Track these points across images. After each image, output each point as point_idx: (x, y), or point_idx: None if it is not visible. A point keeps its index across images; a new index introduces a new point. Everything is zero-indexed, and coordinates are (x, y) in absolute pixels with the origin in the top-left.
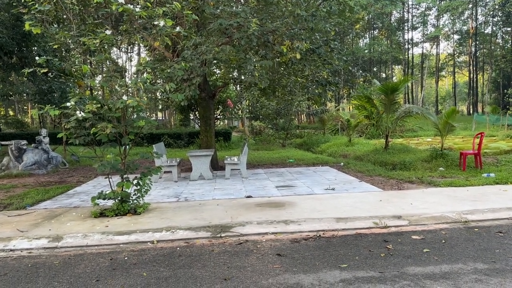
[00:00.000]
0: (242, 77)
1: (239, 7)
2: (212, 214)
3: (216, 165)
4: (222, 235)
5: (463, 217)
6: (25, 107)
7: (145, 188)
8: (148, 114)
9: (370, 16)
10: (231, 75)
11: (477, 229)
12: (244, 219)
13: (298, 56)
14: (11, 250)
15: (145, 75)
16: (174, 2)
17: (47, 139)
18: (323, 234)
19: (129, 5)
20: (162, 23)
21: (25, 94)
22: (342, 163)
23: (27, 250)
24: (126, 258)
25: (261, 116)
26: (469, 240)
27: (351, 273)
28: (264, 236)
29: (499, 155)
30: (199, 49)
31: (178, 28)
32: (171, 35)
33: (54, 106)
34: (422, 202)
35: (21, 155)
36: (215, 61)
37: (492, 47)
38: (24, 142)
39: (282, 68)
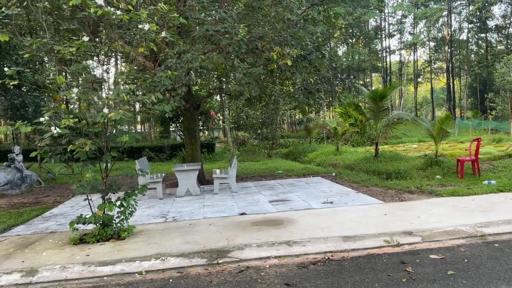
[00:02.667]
0: (229, 86)
1: (224, 13)
2: (206, 236)
3: (203, 179)
4: (219, 261)
5: (478, 231)
6: None
7: (130, 209)
8: (126, 127)
9: (348, 24)
10: (215, 85)
11: (497, 245)
12: (242, 241)
13: (289, 63)
14: None
15: (127, 85)
16: (159, 4)
17: (20, 157)
18: (332, 256)
19: (109, 7)
20: (147, 26)
21: None
22: (334, 173)
23: None
24: None
25: (245, 126)
26: (493, 258)
27: None
28: (267, 261)
29: (493, 160)
30: (184, 57)
31: (163, 33)
32: (156, 40)
33: (27, 122)
34: (430, 214)
35: None
36: (200, 70)
37: (467, 53)
38: None
39: (268, 77)
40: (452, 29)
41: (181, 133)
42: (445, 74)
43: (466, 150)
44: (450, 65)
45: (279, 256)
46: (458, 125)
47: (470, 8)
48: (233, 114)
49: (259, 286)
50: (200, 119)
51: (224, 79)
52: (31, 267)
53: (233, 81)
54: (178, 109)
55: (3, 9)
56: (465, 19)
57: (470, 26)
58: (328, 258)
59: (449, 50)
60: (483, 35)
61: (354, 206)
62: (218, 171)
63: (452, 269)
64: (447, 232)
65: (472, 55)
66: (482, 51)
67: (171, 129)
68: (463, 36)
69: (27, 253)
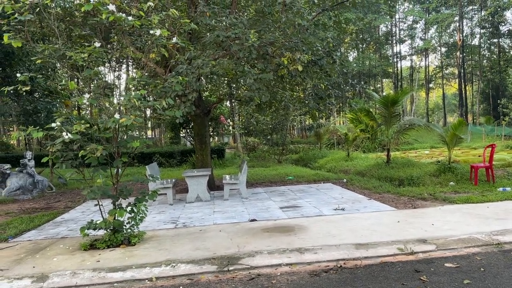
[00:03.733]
0: (239, 92)
1: (234, 19)
2: (216, 243)
3: (213, 185)
4: (230, 268)
5: (494, 239)
6: (10, 129)
7: (140, 215)
8: (137, 133)
9: (359, 30)
10: (225, 90)
11: None
12: (253, 248)
13: (300, 68)
14: None
15: (138, 91)
16: (171, 9)
17: (32, 162)
18: (344, 264)
19: (120, 13)
20: (158, 32)
21: (9, 115)
22: (345, 180)
23: None
24: None
25: (255, 132)
26: (511, 267)
27: None
28: (278, 268)
29: (508, 167)
30: (195, 63)
31: (175, 39)
32: (168, 46)
33: (39, 127)
34: (444, 222)
35: (4, 180)
36: (210, 76)
37: (479, 59)
38: (8, 166)
39: (278, 82)
40: (464, 34)
41: (191, 138)
42: (457, 80)
43: (479, 156)
44: (462, 70)
45: (290, 264)
46: (471, 131)
47: (482, 13)
48: (243, 120)
49: None
50: (210, 125)
51: (234, 85)
52: (41, 272)
53: (243, 87)
54: (189, 115)
55: (16, 15)
56: (477, 24)
57: (482, 31)
58: (341, 266)
59: (461, 55)
60: (495, 40)
61: (366, 213)
62: (228, 177)
63: (468, 278)
64: (462, 240)
65: (484, 61)
66: (495, 56)
67: (181, 135)
68: (475, 42)
69: (38, 258)
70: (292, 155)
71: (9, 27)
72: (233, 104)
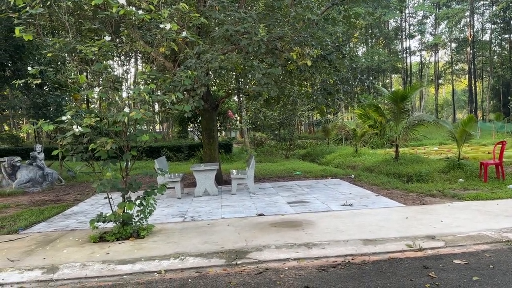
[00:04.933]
0: (247, 86)
1: (243, 13)
2: (224, 237)
3: (221, 179)
4: (238, 262)
5: (503, 236)
6: (20, 122)
7: (149, 208)
8: (145, 127)
9: (368, 24)
10: (233, 85)
11: None
12: (261, 243)
13: (309, 63)
14: (0, 284)
15: (148, 85)
16: (181, 3)
17: (42, 155)
18: (352, 259)
19: (130, 7)
20: (168, 26)
21: (19, 108)
22: (352, 175)
23: (18, 284)
24: None
25: (262, 127)
26: None
27: None
28: (286, 263)
29: None
30: (204, 57)
31: (184, 33)
32: (177, 40)
33: (49, 120)
34: (453, 218)
35: (14, 172)
36: (219, 70)
37: (490, 54)
38: (18, 158)
39: (286, 77)
40: (475, 29)
41: (199, 133)
42: (466, 76)
43: (489, 153)
44: (472, 66)
45: (298, 258)
46: (480, 128)
47: (494, 9)
48: (251, 115)
49: None
50: (218, 120)
51: (242, 80)
52: (52, 264)
53: (251, 82)
54: (197, 109)
55: (28, 8)
56: (488, 19)
57: (493, 26)
58: (349, 261)
59: (471, 51)
60: (506, 36)
61: (375, 209)
62: (235, 171)
63: (477, 275)
64: (471, 237)
65: (495, 57)
66: (506, 52)
67: (189, 129)
68: (486, 37)
69: (48, 250)
70: (299, 150)
71: (20, 21)
72: (241, 99)
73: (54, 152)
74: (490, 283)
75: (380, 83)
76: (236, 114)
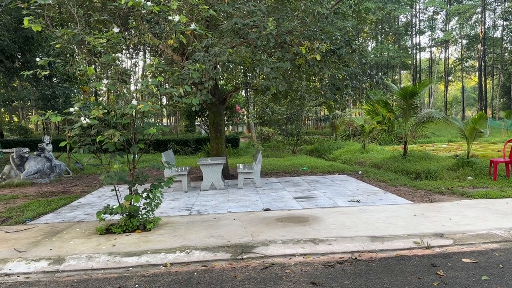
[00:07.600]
0: (255, 81)
1: (253, 6)
2: (230, 231)
3: (227, 174)
4: (244, 256)
5: None
6: (29, 113)
7: (156, 201)
8: (153, 120)
9: (378, 19)
10: (241, 79)
11: None
12: (267, 237)
13: (318, 58)
14: (6, 274)
15: (156, 78)
16: None
17: (50, 147)
18: (359, 256)
19: None
20: (177, 18)
21: (28, 100)
22: (360, 172)
23: (24, 274)
24: (136, 285)
25: (270, 122)
26: None
27: None
28: (292, 258)
29: None
30: (212, 50)
31: (193, 25)
32: (185, 33)
33: (57, 112)
34: (462, 216)
35: (23, 163)
36: (227, 64)
37: (501, 52)
38: (26, 149)
39: (294, 72)
40: (486, 26)
41: (206, 127)
42: (477, 73)
43: (498, 151)
44: (483, 63)
45: (304, 254)
46: (490, 125)
47: (506, 5)
48: (258, 109)
49: (284, 283)
50: (226, 114)
51: (250, 74)
52: (58, 255)
53: (259, 76)
54: (204, 103)
55: None
56: (500, 16)
57: (505, 23)
58: (355, 258)
59: (482, 48)
60: None
61: (382, 205)
62: (242, 166)
63: (486, 274)
64: (480, 235)
65: (506, 54)
66: None
67: (196, 123)
68: (497, 34)
69: (55, 241)
70: (306, 145)
71: (29, 11)
72: (249, 93)
73: (62, 144)
74: (500, 283)
75: (390, 79)
76: (244, 109)
